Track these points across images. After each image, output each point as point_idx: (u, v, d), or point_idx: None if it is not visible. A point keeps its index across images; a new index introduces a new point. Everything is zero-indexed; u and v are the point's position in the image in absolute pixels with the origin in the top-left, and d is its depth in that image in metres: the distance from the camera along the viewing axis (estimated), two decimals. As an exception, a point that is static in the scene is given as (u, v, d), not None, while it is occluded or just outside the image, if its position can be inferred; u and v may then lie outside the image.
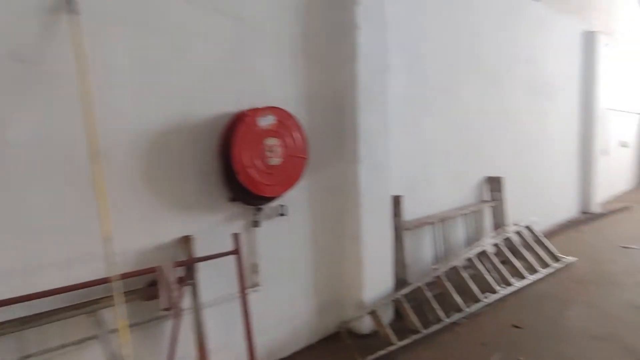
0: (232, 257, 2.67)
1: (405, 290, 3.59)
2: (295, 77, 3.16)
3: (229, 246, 2.68)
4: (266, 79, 2.97)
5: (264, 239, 2.99)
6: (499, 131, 5.68)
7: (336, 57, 3.37)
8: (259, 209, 2.91)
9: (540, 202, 6.70)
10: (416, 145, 4.27)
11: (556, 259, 5.20)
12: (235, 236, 2.67)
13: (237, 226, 2.86)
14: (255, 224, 2.91)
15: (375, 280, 3.50)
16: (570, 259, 5.29)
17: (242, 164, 2.59)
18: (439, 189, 4.63)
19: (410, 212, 4.11)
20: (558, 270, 4.97)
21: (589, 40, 8.05)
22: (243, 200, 2.83)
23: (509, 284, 4.37)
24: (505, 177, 5.48)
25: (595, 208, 8.36)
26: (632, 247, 5.94)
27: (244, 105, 2.81)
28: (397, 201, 3.79)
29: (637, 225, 7.40)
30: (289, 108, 2.94)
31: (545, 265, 4.98)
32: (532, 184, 6.51)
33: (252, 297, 2.88)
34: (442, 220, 4.50)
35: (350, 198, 3.39)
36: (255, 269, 2.94)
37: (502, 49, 5.66)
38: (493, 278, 4.36)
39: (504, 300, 4.13)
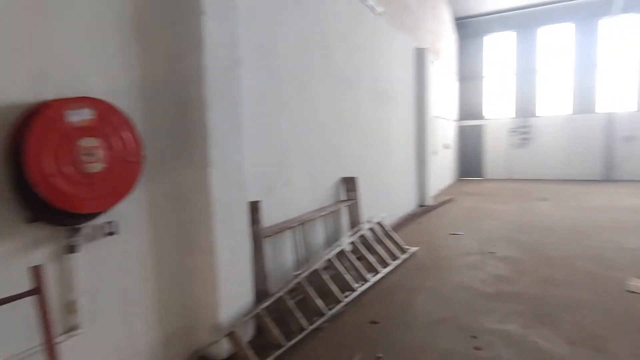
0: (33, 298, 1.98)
1: (267, 303, 3.34)
2: (127, 64, 2.58)
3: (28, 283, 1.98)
4: (81, 61, 2.33)
5: (86, 267, 2.34)
6: (352, 133, 5.97)
7: (179, 44, 2.90)
8: (75, 230, 2.25)
9: (387, 198, 7.35)
10: (272, 146, 4.08)
11: (403, 250, 5.72)
12: (35, 270, 1.98)
13: (43, 255, 2.16)
14: (71, 249, 2.24)
15: (233, 296, 3.15)
16: (413, 249, 5.89)
17: (43, 172, 1.94)
18: (298, 191, 4.54)
19: (269, 217, 3.89)
20: (405, 261, 5.45)
21: (420, 56, 9.26)
22: (50, 220, 2.14)
23: (365, 280, 4.56)
24: (359, 177, 5.78)
25: (429, 201, 9.68)
26: (459, 233, 6.99)
27: (46, 93, 2.13)
28: (254, 207, 3.52)
29: (460, 214, 8.82)
30: (117, 101, 2.37)
31: (394, 257, 5.40)
32: (380, 182, 7.08)
33: (69, 344, 2.21)
34: (302, 223, 4.42)
35: (199, 207, 2.96)
36: (72, 307, 2.27)
37: (352, 55, 5.96)
38: (351, 276, 4.48)
39: (362, 297, 4.28)
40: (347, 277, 4.34)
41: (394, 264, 5.21)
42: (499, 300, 4.11)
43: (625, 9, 13.25)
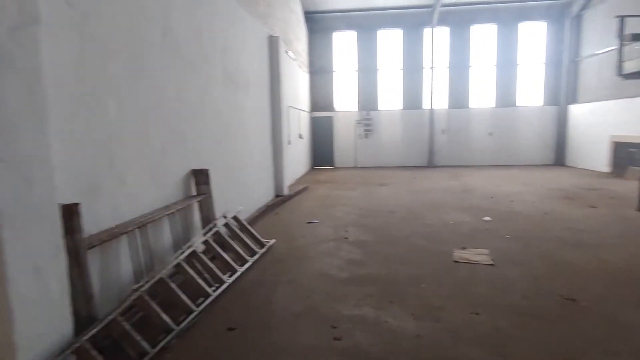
0: None
1: (93, 330, 2.66)
2: None
3: None
4: None
5: None
6: (201, 121, 5.40)
7: None
8: None
9: (243, 190, 7.02)
10: (98, 135, 3.28)
11: (261, 244, 5.50)
12: None
13: None
14: None
15: (40, 332, 2.39)
16: (271, 241, 5.73)
17: None
18: (135, 188, 3.82)
19: (95, 222, 3.13)
20: (263, 255, 5.24)
21: (273, 45, 9.11)
22: None
23: (221, 281, 4.16)
24: (211, 168, 5.28)
25: (286, 191, 9.74)
26: (314, 221, 7.16)
27: None
28: (70, 211, 2.74)
29: (315, 202, 9.11)
30: None
31: (252, 252, 5.13)
32: (235, 173, 6.70)
33: None
34: (143, 225, 3.74)
35: (-27, 218, 2.10)
36: None
37: (200, 35, 5.36)
38: (205, 280, 4.03)
39: (218, 301, 3.88)
40: (200, 281, 3.88)
41: (252, 259, 4.94)
42: (354, 284, 4.26)
43: (440, 23, 15.78)
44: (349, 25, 16.43)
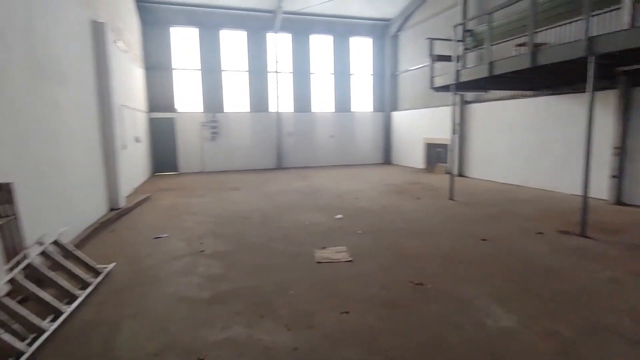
0: None
1: None
2: None
3: None
4: None
5: None
6: (-3, 119, 4.06)
7: None
8: None
9: (65, 206, 5.66)
10: None
11: (95, 271, 4.48)
12: None
13: None
14: None
15: None
16: (109, 266, 4.75)
17: None
18: None
19: None
20: (99, 285, 4.28)
21: (99, 32, 7.67)
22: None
23: (39, 330, 3.16)
24: (16, 181, 4.02)
25: (123, 203, 8.38)
26: (163, 235, 6.30)
27: None
28: None
29: (160, 213, 8.09)
30: None
31: (84, 284, 4.12)
32: (53, 185, 5.34)
33: None
34: None
35: None
36: None
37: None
38: (14, 332, 2.99)
39: (37, 358, 2.92)
40: (6, 336, 2.84)
41: (84, 293, 3.96)
42: (218, 303, 3.83)
43: (283, 29, 16.25)
44: (189, 21, 15.35)
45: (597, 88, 8.68)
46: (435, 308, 3.66)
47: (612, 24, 8.32)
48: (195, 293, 4.07)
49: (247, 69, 16.33)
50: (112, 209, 7.98)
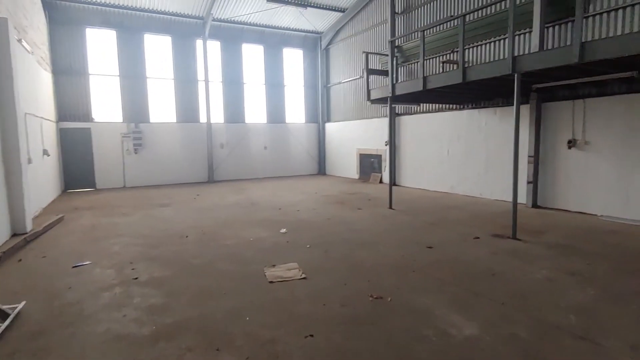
0: None
1: None
2: None
3: None
4: None
5: None
6: None
7: None
8: None
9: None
10: None
11: (1, 314, 3.68)
12: None
13: None
14: None
15: None
16: (18, 306, 3.95)
17: None
18: None
19: None
20: (8, 330, 3.51)
21: (0, 28, 6.58)
22: None
23: None
24: None
25: (30, 226, 7.20)
26: (84, 263, 5.47)
27: None
28: None
29: (78, 236, 7.09)
30: None
31: (-14, 331, 3.34)
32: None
33: None
34: None
35: None
36: None
37: None
38: None
39: None
40: None
41: (-14, 343, 3.20)
42: (163, 339, 3.33)
43: (212, 36, 15.63)
44: (106, 23, 14.03)
45: (513, 102, 9.69)
46: (399, 322, 3.58)
47: (524, 45, 9.28)
48: (133, 330, 3.52)
49: (174, 77, 15.38)
50: (16, 234, 6.80)
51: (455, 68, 7.36)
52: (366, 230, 7.18)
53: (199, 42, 15.62)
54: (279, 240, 6.61)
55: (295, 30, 17.05)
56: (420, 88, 7.99)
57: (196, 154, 15.90)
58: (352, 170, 16.46)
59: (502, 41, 9.71)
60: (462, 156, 11.19)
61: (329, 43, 17.43)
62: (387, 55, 11.49)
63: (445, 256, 5.57)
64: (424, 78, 7.95)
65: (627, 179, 7.63)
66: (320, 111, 18.22)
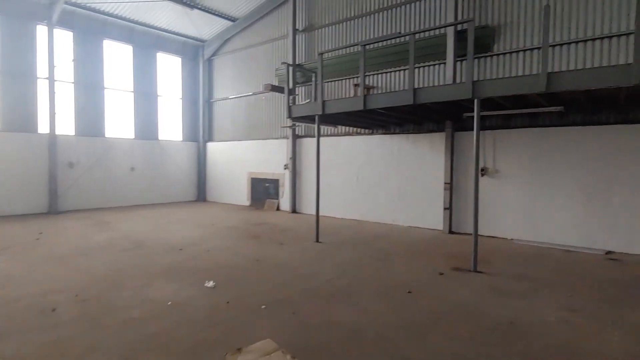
0: None
1: None
2: None
3: None
4: None
5: None
6: None
7: None
8: None
9: None
10: None
11: None
12: None
13: None
14: None
15: None
16: None
17: None
18: None
19: None
20: None
21: None
22: None
23: None
24: None
25: None
26: None
27: None
28: None
29: None
30: None
31: None
32: None
33: None
34: None
35: None
36: None
37: None
38: None
39: None
40: None
41: None
42: None
43: (63, 24, 12.01)
44: None
45: (429, 130, 9.97)
46: None
47: (437, 77, 9.54)
48: None
49: (0, 70, 11.16)
50: None
51: (360, 93, 7.12)
52: (319, 275, 5.79)
53: (41, 29, 11.78)
54: (214, 301, 4.66)
55: (174, 33, 14.64)
56: (361, 107, 7.19)
57: (30, 175, 11.69)
58: (241, 196, 14.65)
59: (432, 67, 9.82)
60: (374, 182, 10.86)
61: (214, 53, 15.53)
62: (299, 69, 10.58)
63: (432, 303, 4.67)
64: (364, 97, 7.19)
65: (533, 204, 8.28)
66: (202, 129, 15.93)
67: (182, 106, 15.74)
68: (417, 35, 9.40)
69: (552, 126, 8.03)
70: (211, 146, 15.99)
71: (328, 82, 11.49)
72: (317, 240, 8.14)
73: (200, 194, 16.10)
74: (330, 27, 11.72)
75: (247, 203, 14.41)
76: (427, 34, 9.44)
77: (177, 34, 14.73)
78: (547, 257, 6.98)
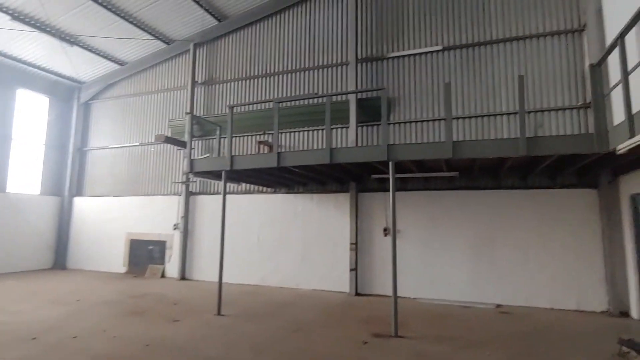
0: None
1: None
2: None
3: None
4: None
5: None
6: None
7: None
8: None
9: None
10: None
11: None
12: None
13: None
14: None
15: None
16: None
17: None
18: None
19: None
20: None
21: None
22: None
23: None
24: None
25: None
26: None
27: None
28: None
29: None
30: None
31: None
32: None
33: None
34: None
35: None
36: None
37: None
38: None
39: None
40: None
41: None
42: None
43: None
44: None
45: (334, 190, 10.02)
46: None
47: (341, 139, 9.89)
48: None
49: None
50: None
51: (275, 150, 6.98)
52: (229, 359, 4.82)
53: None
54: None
55: (43, 69, 12.56)
56: (275, 164, 6.82)
57: None
58: (116, 261, 12.38)
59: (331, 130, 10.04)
60: (276, 243, 10.27)
61: (94, 97, 13.71)
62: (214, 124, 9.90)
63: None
64: (279, 154, 6.87)
65: (431, 263, 8.73)
66: (69, 181, 13.41)
67: (44, 153, 13.17)
68: (322, 99, 9.86)
69: (442, 189, 8.84)
70: (80, 202, 13.47)
71: (235, 137, 10.97)
72: (219, 313, 7.05)
73: (59, 260, 13.10)
74: (231, 83, 11.48)
75: (124, 270, 12.19)
76: (334, 99, 9.84)
77: (48, 70, 12.68)
78: (451, 315, 7.21)
